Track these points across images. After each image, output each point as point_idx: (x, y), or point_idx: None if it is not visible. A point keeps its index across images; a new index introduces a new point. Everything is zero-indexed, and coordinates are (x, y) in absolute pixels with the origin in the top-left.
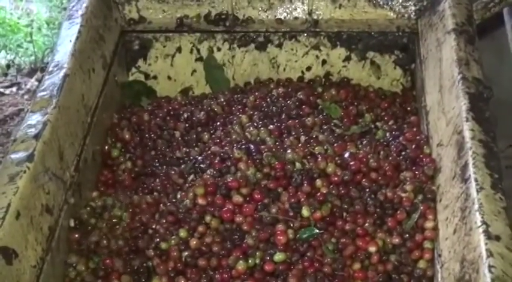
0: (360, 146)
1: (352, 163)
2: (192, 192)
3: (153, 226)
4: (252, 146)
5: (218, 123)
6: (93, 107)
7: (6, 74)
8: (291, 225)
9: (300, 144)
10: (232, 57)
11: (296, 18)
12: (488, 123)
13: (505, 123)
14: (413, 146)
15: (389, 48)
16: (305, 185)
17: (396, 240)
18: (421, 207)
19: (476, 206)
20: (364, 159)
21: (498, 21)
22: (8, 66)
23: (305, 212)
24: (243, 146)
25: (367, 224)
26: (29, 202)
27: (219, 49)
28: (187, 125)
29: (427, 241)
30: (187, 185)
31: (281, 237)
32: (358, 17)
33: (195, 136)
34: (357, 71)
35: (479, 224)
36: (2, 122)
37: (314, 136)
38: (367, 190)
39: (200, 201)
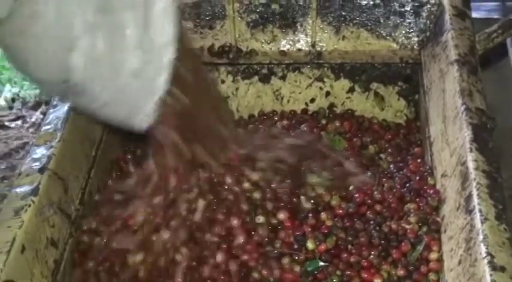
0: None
1: (356, 195)
2: None
3: None
4: None
5: None
6: (97, 140)
7: (11, 108)
8: (296, 258)
9: None
10: (236, 90)
11: (299, 50)
12: (492, 154)
13: (509, 153)
14: (418, 178)
15: (393, 79)
16: (310, 217)
17: (401, 272)
18: (426, 239)
19: (480, 237)
20: (369, 192)
21: (501, 52)
22: (13, 100)
23: (310, 244)
24: None
25: (372, 256)
26: (34, 236)
27: (222, 81)
28: None
29: (432, 273)
30: None
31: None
32: (361, 48)
33: None
34: (361, 102)
35: (484, 255)
36: (7, 155)
37: None
38: (372, 222)
39: None
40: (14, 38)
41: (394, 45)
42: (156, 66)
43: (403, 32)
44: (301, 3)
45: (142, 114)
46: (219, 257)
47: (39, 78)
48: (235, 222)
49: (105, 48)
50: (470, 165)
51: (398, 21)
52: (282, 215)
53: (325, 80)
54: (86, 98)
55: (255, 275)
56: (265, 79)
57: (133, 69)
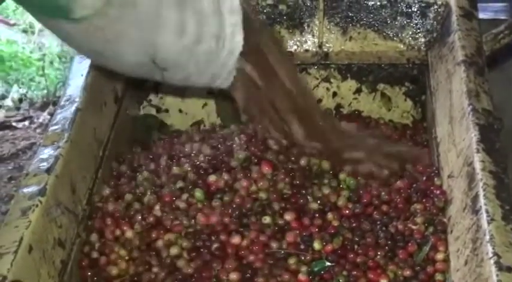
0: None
1: (363, 196)
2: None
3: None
4: None
5: None
6: (104, 140)
7: (18, 108)
8: (302, 258)
9: None
10: None
11: (306, 50)
12: (499, 155)
13: None
14: (424, 178)
15: (400, 80)
16: (316, 218)
17: (407, 273)
18: (432, 239)
19: (487, 238)
20: (375, 192)
21: (508, 53)
22: (21, 100)
23: (317, 245)
24: None
25: (378, 257)
26: (41, 236)
27: None
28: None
29: (439, 273)
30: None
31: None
32: (368, 49)
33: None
34: (368, 103)
35: (490, 255)
36: (14, 156)
37: None
38: (378, 223)
39: None
40: (111, 25)
41: (401, 46)
42: (231, 25)
43: (410, 32)
44: (308, 4)
45: (225, 73)
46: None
47: (127, 61)
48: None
49: (189, 20)
50: (477, 166)
51: (405, 22)
52: (288, 216)
53: (332, 80)
54: (173, 71)
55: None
56: None
57: (213, 33)
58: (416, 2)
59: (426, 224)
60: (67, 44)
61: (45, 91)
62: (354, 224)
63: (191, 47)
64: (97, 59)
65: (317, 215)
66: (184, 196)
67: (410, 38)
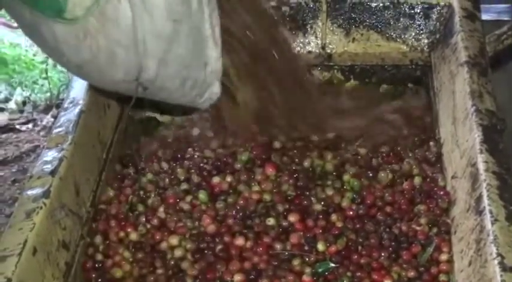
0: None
1: (367, 197)
2: None
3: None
4: None
5: None
6: (108, 142)
7: (22, 111)
8: (307, 259)
9: None
10: None
11: (310, 52)
12: (502, 155)
13: None
14: (428, 179)
15: (403, 81)
16: (320, 219)
17: (411, 274)
18: (436, 240)
19: (491, 238)
20: (379, 193)
21: (511, 53)
22: (24, 103)
23: (321, 246)
24: None
25: (382, 258)
26: (45, 238)
27: None
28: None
29: (442, 274)
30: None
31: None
32: (371, 50)
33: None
34: None
35: (494, 256)
36: (18, 159)
37: None
38: (382, 224)
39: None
40: (98, 34)
41: (404, 47)
42: (207, 49)
43: (413, 34)
44: (311, 6)
45: (207, 94)
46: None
47: (110, 76)
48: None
49: (172, 48)
50: (481, 166)
51: (408, 23)
52: (292, 218)
53: (335, 82)
54: (155, 92)
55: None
56: None
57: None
58: (419, 3)
59: (430, 225)
60: (53, 55)
61: (48, 94)
62: (358, 225)
63: (176, 71)
64: (79, 71)
65: (321, 216)
66: (188, 198)
67: (413, 39)
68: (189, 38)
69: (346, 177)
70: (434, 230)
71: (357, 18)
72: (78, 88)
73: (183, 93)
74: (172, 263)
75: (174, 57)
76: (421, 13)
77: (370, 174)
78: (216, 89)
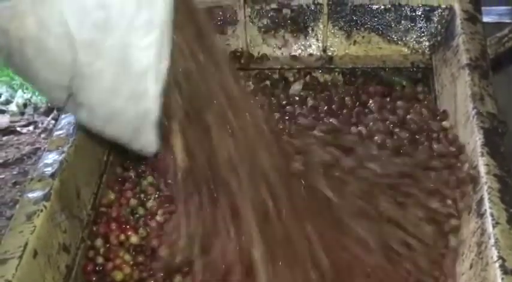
0: None
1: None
2: None
3: None
4: None
5: None
6: (109, 145)
7: (23, 113)
8: None
9: None
10: None
11: (311, 54)
12: (503, 158)
13: None
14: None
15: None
16: None
17: None
18: None
19: (492, 241)
20: None
21: None
22: (25, 105)
23: None
24: None
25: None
26: (46, 241)
27: None
28: None
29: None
30: None
31: None
32: (372, 53)
33: None
34: None
35: (495, 259)
36: (19, 161)
37: None
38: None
39: None
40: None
41: (405, 50)
42: (143, 90)
43: (414, 36)
44: (313, 8)
45: (143, 139)
46: None
47: (45, 78)
48: None
49: (96, 61)
50: (482, 169)
51: (409, 25)
52: None
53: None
54: (86, 112)
55: None
56: (276, 84)
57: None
58: (420, 5)
59: None
60: None
61: None
62: None
63: (103, 91)
64: (12, 65)
65: None
66: None
67: (414, 42)
68: (114, 54)
69: None
70: None
71: (358, 21)
72: None
73: (118, 127)
74: None
75: (98, 72)
76: (422, 15)
77: None
78: (151, 137)
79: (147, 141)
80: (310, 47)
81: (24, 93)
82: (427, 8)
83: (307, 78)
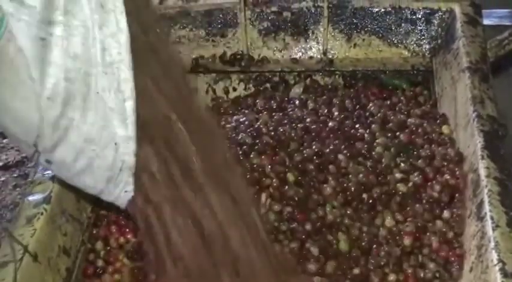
0: None
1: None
2: None
3: None
4: None
5: None
6: None
7: None
8: None
9: None
10: None
11: (311, 57)
12: (504, 161)
13: None
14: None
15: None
16: None
17: None
18: None
19: (492, 244)
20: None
21: None
22: None
23: None
24: None
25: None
26: (46, 244)
27: (234, 89)
28: None
29: None
30: None
31: None
32: (372, 55)
33: None
34: None
35: (495, 262)
36: (19, 163)
37: None
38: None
39: None
40: None
41: (406, 53)
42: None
43: (415, 39)
44: (313, 11)
45: (119, 189)
46: None
47: (13, 133)
48: None
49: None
50: (482, 172)
51: (409, 28)
52: None
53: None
54: (57, 166)
55: None
56: (276, 87)
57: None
58: (420, 8)
59: None
60: None
61: None
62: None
63: (76, 143)
64: None
65: None
66: None
67: (414, 45)
68: (86, 102)
69: None
70: None
71: (359, 24)
72: None
73: (93, 179)
74: None
75: (67, 124)
76: (423, 18)
77: None
78: (128, 188)
79: (121, 195)
80: (311, 49)
81: None
82: (428, 11)
83: (308, 81)
